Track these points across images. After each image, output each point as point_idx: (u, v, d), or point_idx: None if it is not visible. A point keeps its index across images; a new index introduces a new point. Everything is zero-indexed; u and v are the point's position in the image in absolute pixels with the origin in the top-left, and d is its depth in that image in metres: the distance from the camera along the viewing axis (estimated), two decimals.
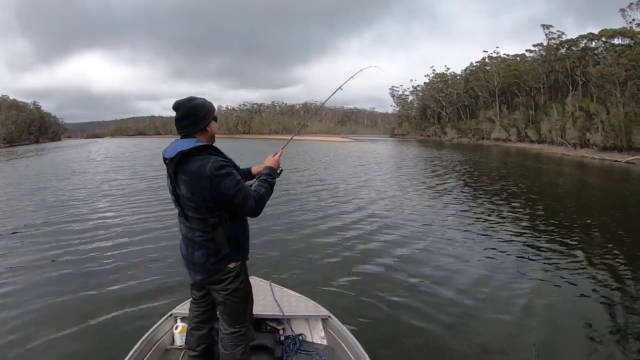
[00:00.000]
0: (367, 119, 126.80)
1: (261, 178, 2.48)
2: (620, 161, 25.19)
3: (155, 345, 2.99)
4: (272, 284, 3.67)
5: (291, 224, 9.05)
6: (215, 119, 2.42)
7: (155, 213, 9.92)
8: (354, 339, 2.97)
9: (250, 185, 2.41)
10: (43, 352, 3.75)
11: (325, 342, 3.22)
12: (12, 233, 8.18)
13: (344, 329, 3.09)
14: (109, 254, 6.63)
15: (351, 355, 2.93)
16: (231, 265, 2.40)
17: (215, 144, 2.40)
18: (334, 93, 3.35)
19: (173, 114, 2.36)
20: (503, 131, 48.92)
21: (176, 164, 2.25)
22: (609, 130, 28.63)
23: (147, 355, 2.87)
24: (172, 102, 2.33)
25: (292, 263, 6.42)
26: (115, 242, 7.35)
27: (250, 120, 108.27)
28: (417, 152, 38.52)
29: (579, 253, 7.13)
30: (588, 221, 9.61)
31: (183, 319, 3.11)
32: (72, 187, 15.33)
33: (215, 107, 2.50)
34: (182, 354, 2.96)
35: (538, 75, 47.91)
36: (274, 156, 2.66)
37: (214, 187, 2.20)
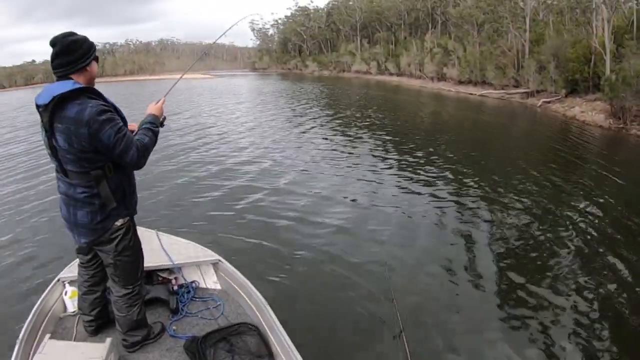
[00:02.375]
0: (227, 53, 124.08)
1: (144, 127, 2.19)
2: (475, 94, 26.18)
3: (48, 315, 2.69)
4: (159, 232, 3.52)
5: (173, 170, 8.85)
6: (96, 59, 2.07)
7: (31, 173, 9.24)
8: (245, 280, 2.95)
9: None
10: None
11: (218, 287, 3.18)
12: None
13: (236, 272, 3.07)
14: None
15: (244, 296, 2.90)
16: (119, 223, 2.15)
17: None
18: (220, 37, 3.66)
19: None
20: (364, 64, 48.41)
21: (51, 111, 1.89)
22: (465, 66, 29.63)
23: (41, 328, 2.57)
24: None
25: (176, 210, 6.32)
26: None
27: (103, 61, 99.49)
28: (280, 86, 37.08)
29: (439, 169, 8.98)
30: (443, 147, 11.25)
31: (71, 282, 2.84)
32: None
33: None
34: (76, 320, 2.68)
35: (399, 12, 47.98)
36: (156, 104, 2.37)
37: (93, 134, 1.89)
